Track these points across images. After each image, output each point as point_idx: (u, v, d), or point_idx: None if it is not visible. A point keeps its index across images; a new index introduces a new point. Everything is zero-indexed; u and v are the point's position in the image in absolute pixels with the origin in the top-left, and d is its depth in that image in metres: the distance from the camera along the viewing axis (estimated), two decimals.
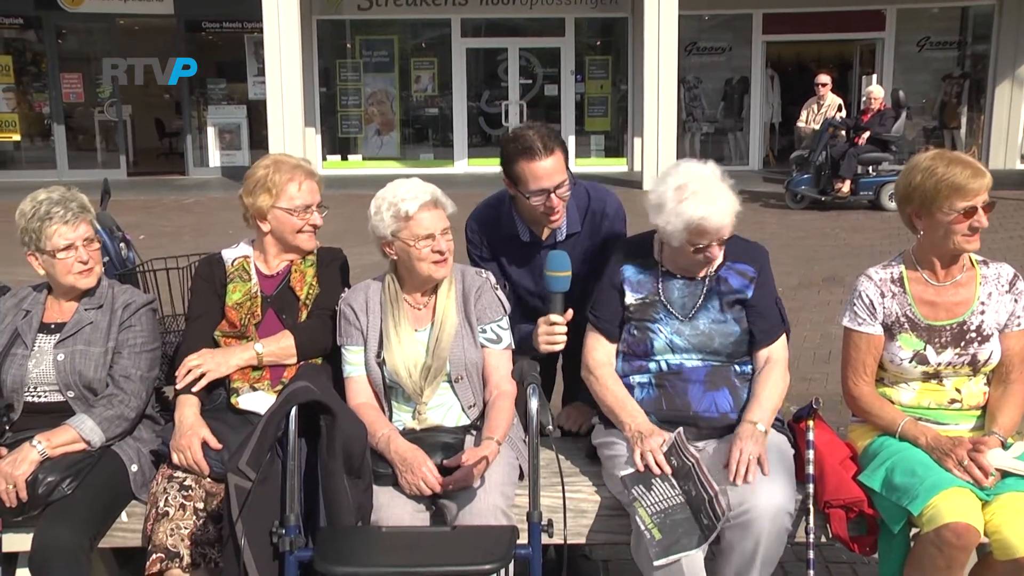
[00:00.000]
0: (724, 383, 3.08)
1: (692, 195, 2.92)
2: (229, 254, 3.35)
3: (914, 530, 2.88)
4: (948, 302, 3.07)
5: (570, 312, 3.19)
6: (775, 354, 3.13)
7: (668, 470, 2.89)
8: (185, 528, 2.82)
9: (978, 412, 3.08)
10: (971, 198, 2.95)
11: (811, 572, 2.90)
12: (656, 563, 2.71)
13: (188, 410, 3.05)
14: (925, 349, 3.03)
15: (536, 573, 2.46)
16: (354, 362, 3.12)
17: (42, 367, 3.11)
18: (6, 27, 18.87)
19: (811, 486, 2.95)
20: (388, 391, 3.11)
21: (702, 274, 3.13)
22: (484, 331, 3.16)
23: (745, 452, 2.86)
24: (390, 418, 3.08)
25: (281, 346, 3.14)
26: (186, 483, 2.92)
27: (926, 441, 2.94)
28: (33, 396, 3.12)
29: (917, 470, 2.85)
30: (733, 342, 3.09)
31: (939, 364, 3.03)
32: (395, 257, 3.09)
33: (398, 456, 2.87)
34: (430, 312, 3.14)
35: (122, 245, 4.64)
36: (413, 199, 3.01)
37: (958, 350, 3.03)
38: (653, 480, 2.87)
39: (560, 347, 3.20)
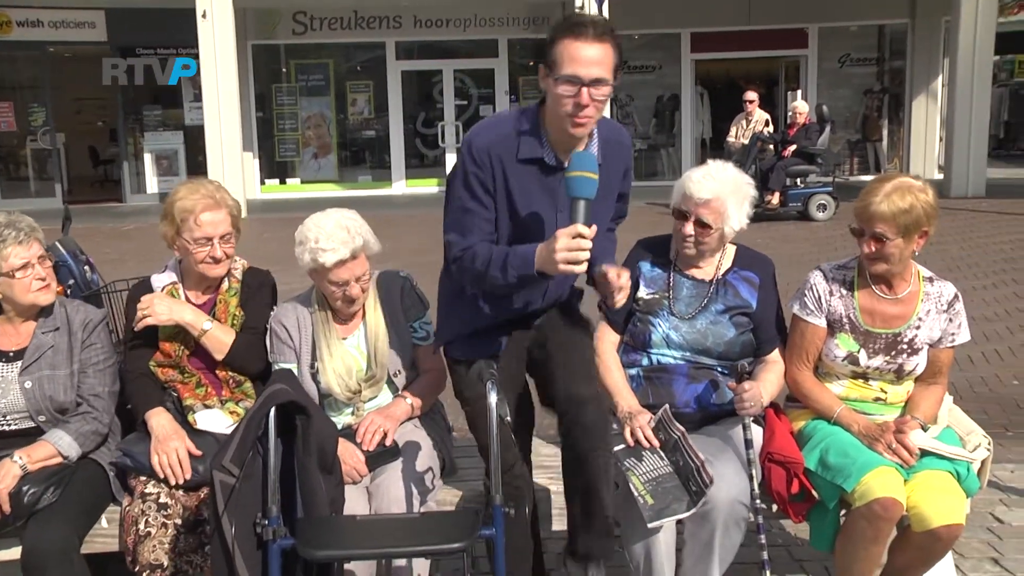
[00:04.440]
0: (706, 377, 3.30)
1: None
2: (158, 281, 3.38)
3: (842, 512, 3.13)
4: (887, 313, 3.24)
5: (595, 227, 2.65)
6: (774, 357, 3.38)
7: (656, 444, 3.12)
8: (168, 543, 2.95)
9: (901, 406, 3.31)
10: None
11: (762, 537, 3.09)
12: (650, 525, 2.93)
13: (163, 418, 3.18)
14: (859, 352, 3.25)
15: (499, 552, 2.63)
16: None
17: (9, 397, 3.13)
18: None
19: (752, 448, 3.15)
20: (322, 399, 3.29)
21: (710, 277, 3.37)
22: (414, 329, 3.36)
23: (746, 388, 3.10)
24: None
25: (223, 340, 3.25)
26: (161, 500, 3.02)
27: (858, 428, 3.18)
28: (2, 425, 3.15)
29: (849, 451, 3.10)
30: (725, 342, 3.30)
31: (868, 367, 3.25)
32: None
33: None
34: (359, 319, 3.33)
35: (86, 268, 4.71)
36: (332, 252, 3.11)
37: (887, 358, 3.23)
38: (643, 453, 3.10)
39: (582, 268, 2.65)
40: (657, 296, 3.37)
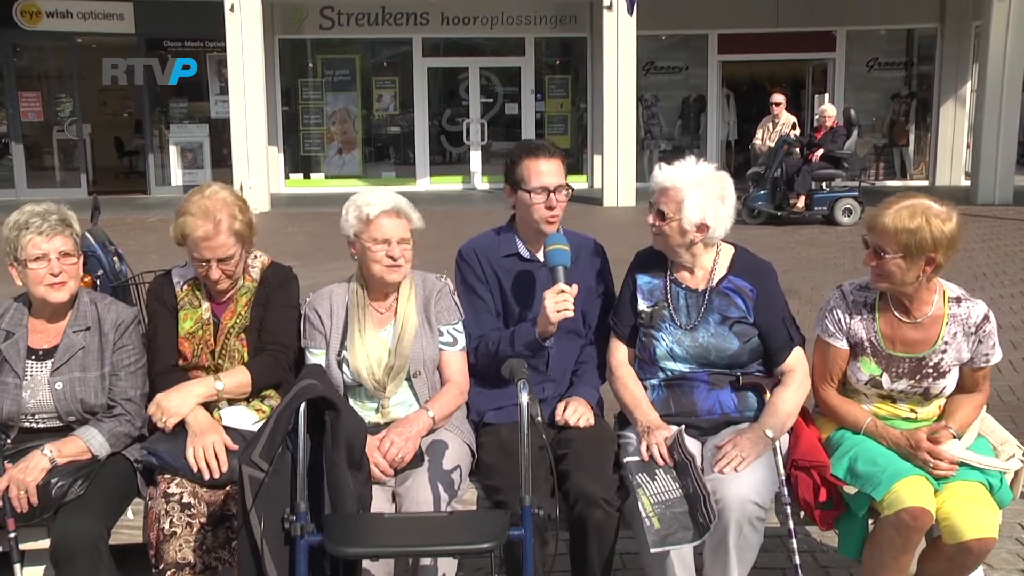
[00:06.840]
0: (727, 382, 3.27)
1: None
2: (179, 275, 3.36)
3: (871, 520, 3.10)
4: (909, 338, 3.16)
5: (575, 287, 3.25)
6: (791, 364, 3.29)
7: (671, 463, 3.07)
8: (195, 541, 2.94)
9: (932, 421, 3.22)
10: None
11: (793, 542, 3.09)
12: (653, 551, 2.89)
13: (200, 413, 3.14)
14: (881, 376, 3.18)
15: (528, 553, 2.62)
16: None
17: (39, 397, 3.11)
18: None
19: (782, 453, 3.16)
20: (348, 391, 3.29)
21: (703, 285, 3.30)
22: (442, 333, 3.37)
23: (736, 449, 3.07)
24: None
25: (239, 382, 3.22)
26: (184, 500, 3.00)
27: (887, 444, 3.14)
28: (31, 423, 3.15)
29: (879, 460, 3.06)
30: (730, 355, 3.24)
31: (892, 390, 3.20)
32: (357, 257, 3.30)
33: None
34: (391, 315, 3.35)
35: (115, 258, 4.73)
36: (376, 205, 3.22)
37: (912, 382, 3.17)
38: (657, 471, 3.06)
39: (571, 313, 3.23)
40: (657, 308, 3.33)
